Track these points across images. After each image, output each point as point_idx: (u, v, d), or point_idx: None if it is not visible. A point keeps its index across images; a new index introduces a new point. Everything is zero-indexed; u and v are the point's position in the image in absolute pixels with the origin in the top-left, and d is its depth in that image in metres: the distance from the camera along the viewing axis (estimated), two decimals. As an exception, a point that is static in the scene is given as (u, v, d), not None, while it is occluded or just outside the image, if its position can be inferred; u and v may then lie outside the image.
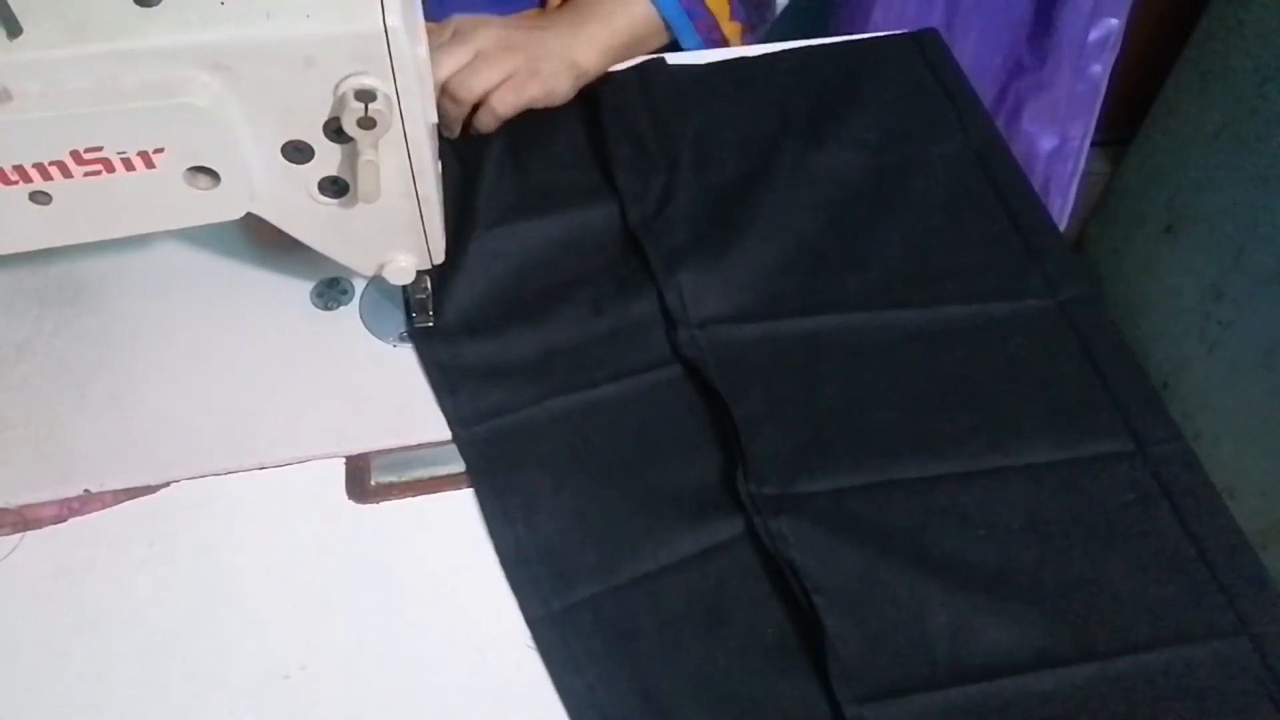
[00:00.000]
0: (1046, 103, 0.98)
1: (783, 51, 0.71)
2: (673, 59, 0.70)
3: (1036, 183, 1.04)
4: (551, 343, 0.56)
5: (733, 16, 0.69)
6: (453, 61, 0.61)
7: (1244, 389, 1.13)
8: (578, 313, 0.57)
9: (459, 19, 0.64)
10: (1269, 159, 1.06)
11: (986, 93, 1.02)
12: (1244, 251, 1.11)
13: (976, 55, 0.99)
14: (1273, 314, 1.08)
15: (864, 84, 0.69)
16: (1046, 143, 1.01)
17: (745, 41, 0.71)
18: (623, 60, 0.68)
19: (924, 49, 0.72)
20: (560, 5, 0.69)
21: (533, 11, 0.71)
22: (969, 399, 0.55)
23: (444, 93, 0.62)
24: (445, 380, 0.55)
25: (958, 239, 0.62)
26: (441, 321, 0.57)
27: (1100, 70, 0.96)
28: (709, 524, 0.51)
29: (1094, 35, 0.94)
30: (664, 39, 0.70)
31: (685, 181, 0.63)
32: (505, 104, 0.62)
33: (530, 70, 0.63)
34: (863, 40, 0.73)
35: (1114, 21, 0.93)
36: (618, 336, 0.57)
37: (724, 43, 0.71)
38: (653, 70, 0.68)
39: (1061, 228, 1.09)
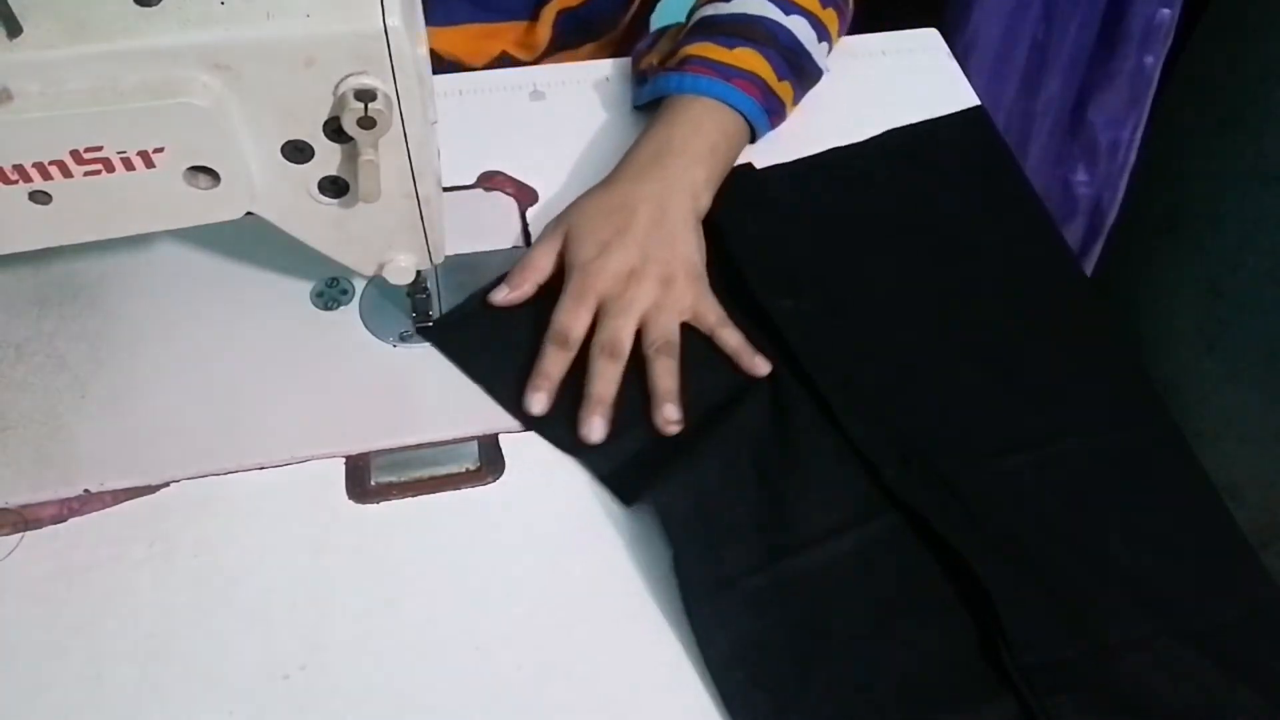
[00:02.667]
0: (1111, 93, 1.00)
1: (851, 149, 0.70)
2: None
3: (1097, 178, 1.07)
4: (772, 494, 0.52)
5: (780, 78, 0.66)
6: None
7: (1244, 389, 1.13)
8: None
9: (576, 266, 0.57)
10: (1269, 159, 1.06)
11: (1045, 86, 1.03)
12: (1244, 251, 1.11)
13: (1058, 50, 1.00)
14: (1273, 314, 1.08)
15: (942, 181, 0.68)
16: (1106, 136, 1.03)
17: (796, 102, 0.68)
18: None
19: (973, 127, 0.72)
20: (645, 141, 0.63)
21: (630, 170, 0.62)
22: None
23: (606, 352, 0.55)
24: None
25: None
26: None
27: (1153, 61, 0.97)
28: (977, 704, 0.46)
29: (1153, 24, 0.96)
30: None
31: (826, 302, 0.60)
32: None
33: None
34: (921, 127, 0.71)
35: (1166, 11, 0.95)
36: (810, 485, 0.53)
37: (783, 116, 0.68)
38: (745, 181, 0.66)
39: (1109, 220, 1.11)
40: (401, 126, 0.44)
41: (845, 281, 0.62)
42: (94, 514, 0.51)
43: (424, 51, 0.46)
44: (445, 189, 0.56)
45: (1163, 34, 0.96)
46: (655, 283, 0.57)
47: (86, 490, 0.51)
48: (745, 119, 0.65)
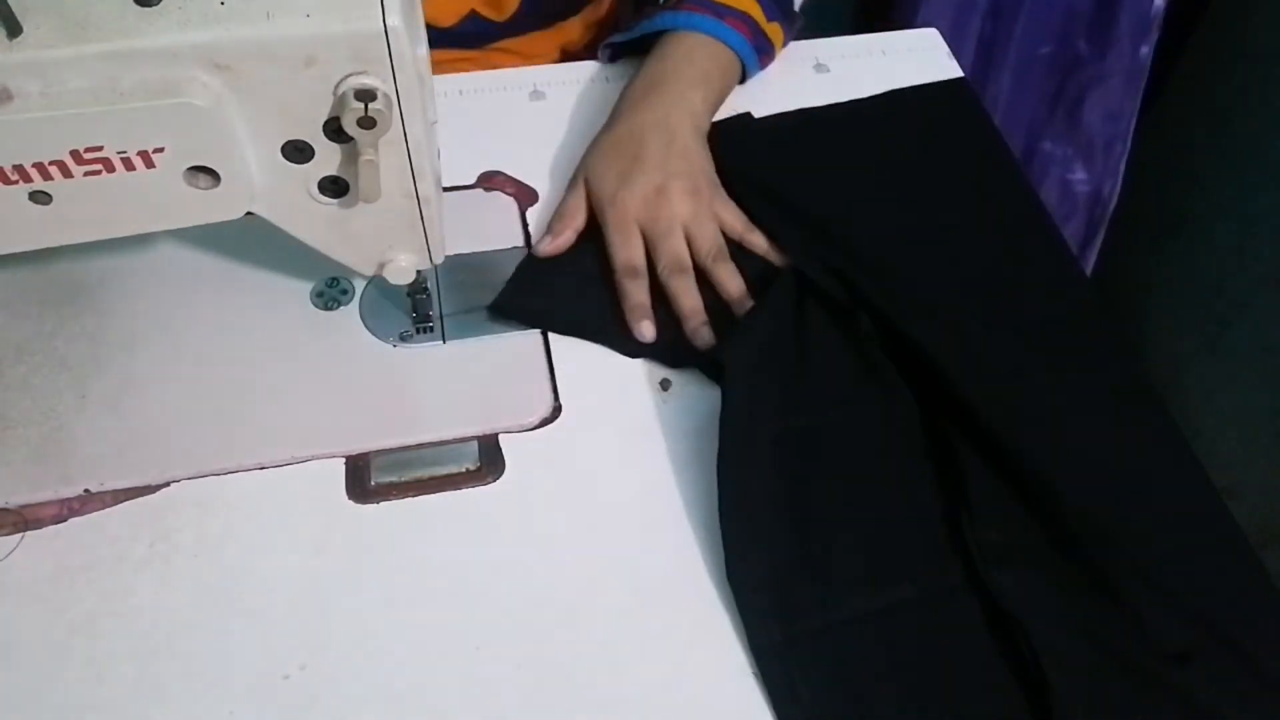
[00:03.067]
0: (1105, 90, 1.01)
1: (833, 109, 0.71)
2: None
3: (1094, 174, 1.08)
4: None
5: (769, 19, 0.69)
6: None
7: (1244, 389, 1.13)
8: None
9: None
10: (1269, 159, 1.06)
11: (1043, 87, 1.04)
12: (1244, 251, 1.11)
13: (1028, 48, 1.01)
14: (1273, 314, 1.08)
15: (925, 143, 0.70)
16: (1104, 129, 1.04)
17: (785, 44, 0.72)
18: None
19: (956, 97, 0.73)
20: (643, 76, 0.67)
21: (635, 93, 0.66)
22: None
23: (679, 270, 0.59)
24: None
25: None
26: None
27: (1147, 51, 0.99)
28: (933, 568, 0.50)
29: (1150, 15, 0.97)
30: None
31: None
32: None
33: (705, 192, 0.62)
34: (904, 93, 0.73)
35: (1159, 2, 0.96)
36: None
37: (772, 55, 0.71)
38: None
39: (1110, 211, 1.13)
40: (401, 126, 0.44)
41: (834, 236, 0.63)
42: (94, 514, 0.51)
43: (424, 51, 0.46)
44: (445, 189, 0.56)
45: (1154, 25, 0.97)
46: (684, 196, 0.60)
47: (86, 490, 0.51)
48: (736, 56, 0.68)
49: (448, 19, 0.76)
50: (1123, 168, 1.11)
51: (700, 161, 0.62)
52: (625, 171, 0.61)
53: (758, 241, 0.61)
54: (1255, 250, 1.11)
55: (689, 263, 0.59)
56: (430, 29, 0.74)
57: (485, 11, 0.76)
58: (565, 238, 0.61)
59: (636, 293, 0.58)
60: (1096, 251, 1.24)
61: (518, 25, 0.78)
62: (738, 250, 0.61)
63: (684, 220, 0.60)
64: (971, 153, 0.70)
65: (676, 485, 0.53)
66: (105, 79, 0.40)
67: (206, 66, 0.40)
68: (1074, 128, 1.07)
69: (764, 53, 0.69)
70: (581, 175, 0.63)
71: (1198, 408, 1.20)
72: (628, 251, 0.59)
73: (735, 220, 0.62)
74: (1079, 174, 1.14)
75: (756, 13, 0.68)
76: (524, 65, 0.76)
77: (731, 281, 0.59)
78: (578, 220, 0.62)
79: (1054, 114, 1.11)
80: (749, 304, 0.58)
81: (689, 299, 0.58)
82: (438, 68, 0.73)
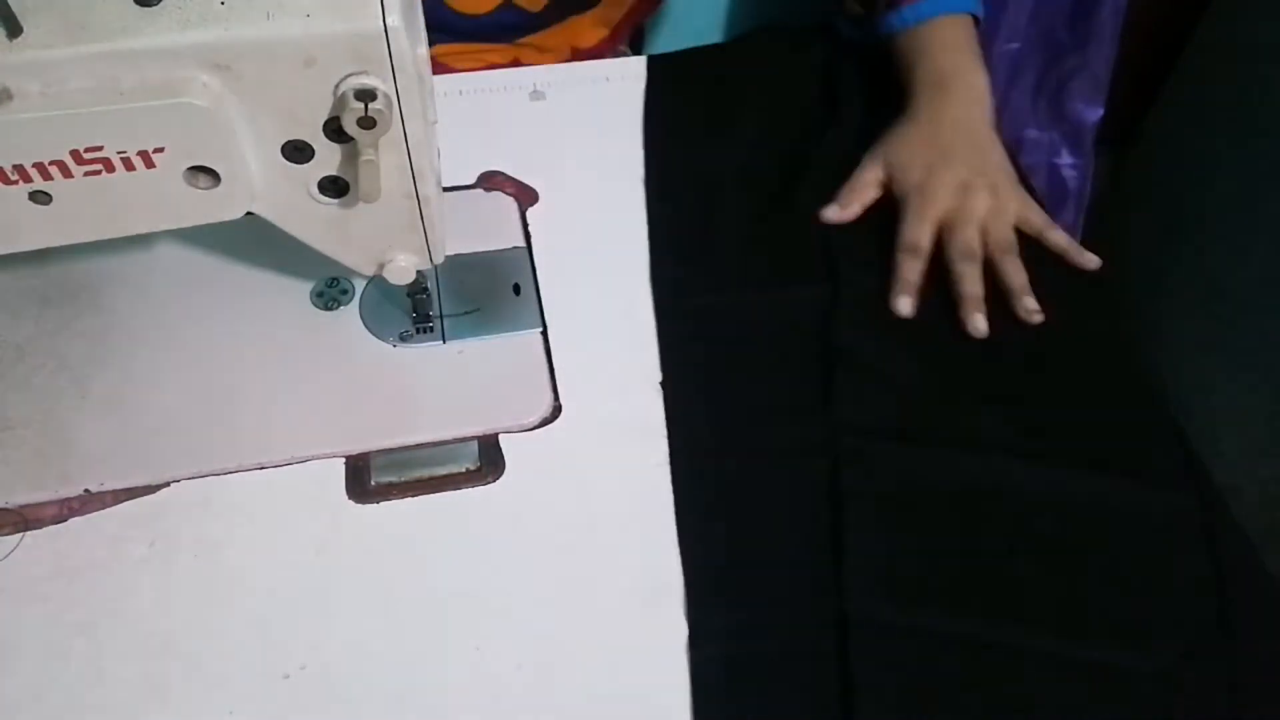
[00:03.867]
0: (1089, 77, 1.02)
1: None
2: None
3: (1084, 154, 1.09)
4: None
5: None
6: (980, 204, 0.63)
7: (1244, 389, 1.13)
8: None
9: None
10: (1269, 158, 1.06)
11: (1023, 78, 1.05)
12: (1244, 251, 1.11)
13: (1013, 38, 1.02)
14: (1273, 314, 1.08)
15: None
16: (1092, 114, 1.05)
17: None
18: None
19: None
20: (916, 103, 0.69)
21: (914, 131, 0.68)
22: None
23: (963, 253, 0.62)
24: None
25: None
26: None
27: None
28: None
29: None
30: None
31: None
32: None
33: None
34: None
35: None
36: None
37: None
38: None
39: (1086, 189, 1.14)
40: (401, 126, 0.44)
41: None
42: (94, 514, 0.51)
43: (424, 51, 0.46)
44: (445, 189, 0.56)
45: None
46: (986, 193, 0.63)
47: (86, 490, 0.51)
48: (970, 15, 0.71)
49: (482, 6, 0.76)
50: (1091, 146, 1.12)
51: (999, 158, 0.66)
52: (932, 164, 0.64)
53: (1057, 239, 0.64)
54: (1255, 250, 1.11)
55: (979, 252, 0.62)
56: (461, 17, 0.74)
57: (521, 2, 0.76)
58: (853, 210, 0.65)
59: (911, 270, 0.61)
60: (1079, 234, 1.24)
61: (548, 17, 0.78)
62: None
63: (982, 214, 0.63)
64: None
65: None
66: (105, 79, 0.40)
67: (206, 66, 0.40)
68: (1058, 114, 1.09)
69: None
70: (882, 159, 0.66)
71: (1198, 408, 1.20)
72: (919, 234, 0.62)
73: (1035, 216, 0.64)
74: (1066, 159, 1.14)
75: None
76: (540, 63, 0.76)
77: (1017, 276, 0.61)
78: (868, 195, 0.65)
79: (1037, 103, 1.11)
80: (1030, 299, 0.60)
81: (972, 284, 0.60)
82: (456, 59, 0.73)
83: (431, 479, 0.53)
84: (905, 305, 0.60)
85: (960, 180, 0.64)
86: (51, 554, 0.49)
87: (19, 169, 0.41)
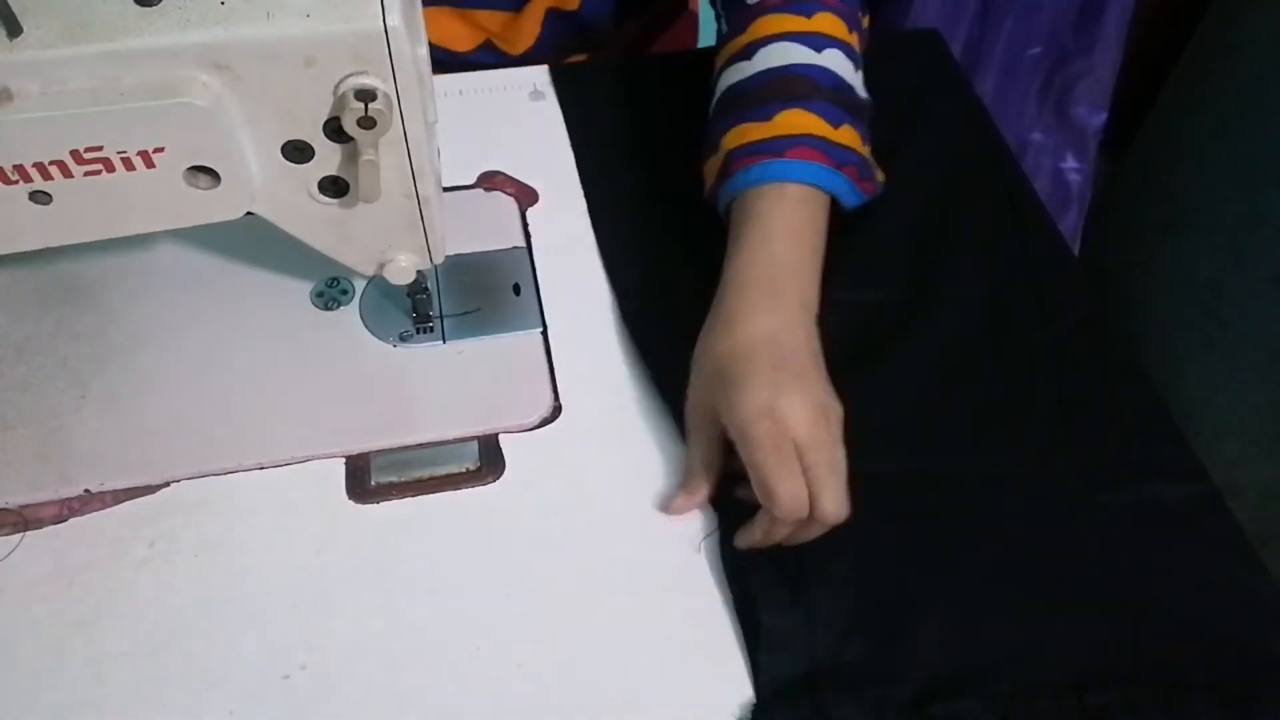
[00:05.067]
0: (1093, 82, 1.02)
1: None
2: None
3: (1087, 158, 1.09)
4: None
5: (836, 125, 0.56)
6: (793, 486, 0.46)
7: (1244, 389, 1.13)
8: None
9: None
10: (1269, 159, 1.06)
11: (1028, 83, 1.05)
12: (1244, 251, 1.11)
13: (1018, 43, 1.02)
14: (1273, 314, 1.08)
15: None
16: (1097, 119, 1.05)
17: (864, 141, 0.59)
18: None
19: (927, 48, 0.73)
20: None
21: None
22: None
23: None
24: None
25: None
26: None
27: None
28: None
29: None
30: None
31: None
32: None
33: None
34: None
35: None
36: None
37: (858, 161, 0.57)
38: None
39: (1088, 194, 1.14)
40: (401, 126, 0.44)
41: None
42: (94, 514, 0.51)
43: (424, 51, 0.46)
44: (445, 189, 0.56)
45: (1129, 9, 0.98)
46: (828, 436, 0.48)
47: (86, 490, 0.51)
48: (818, 188, 0.55)
49: (461, 44, 0.75)
50: (1095, 150, 1.12)
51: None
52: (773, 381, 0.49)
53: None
54: (1255, 250, 1.11)
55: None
56: (443, 51, 0.74)
57: (501, 45, 0.75)
58: (701, 495, 0.51)
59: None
60: (1080, 237, 1.24)
61: (529, 60, 0.76)
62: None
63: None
64: (946, 112, 0.70)
65: (676, 485, 0.53)
66: (105, 79, 0.40)
67: (206, 66, 0.40)
68: (1063, 118, 1.08)
69: (846, 165, 0.56)
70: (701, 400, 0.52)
71: (1198, 408, 1.20)
72: (793, 486, 0.46)
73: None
74: (1070, 163, 1.14)
75: (821, 128, 0.55)
76: None
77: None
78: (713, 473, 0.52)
79: (1043, 107, 1.12)
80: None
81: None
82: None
83: (431, 479, 0.53)
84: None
85: (817, 402, 0.48)
86: (51, 554, 0.49)
87: (19, 169, 0.41)
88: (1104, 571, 0.50)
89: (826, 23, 0.57)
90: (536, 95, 0.72)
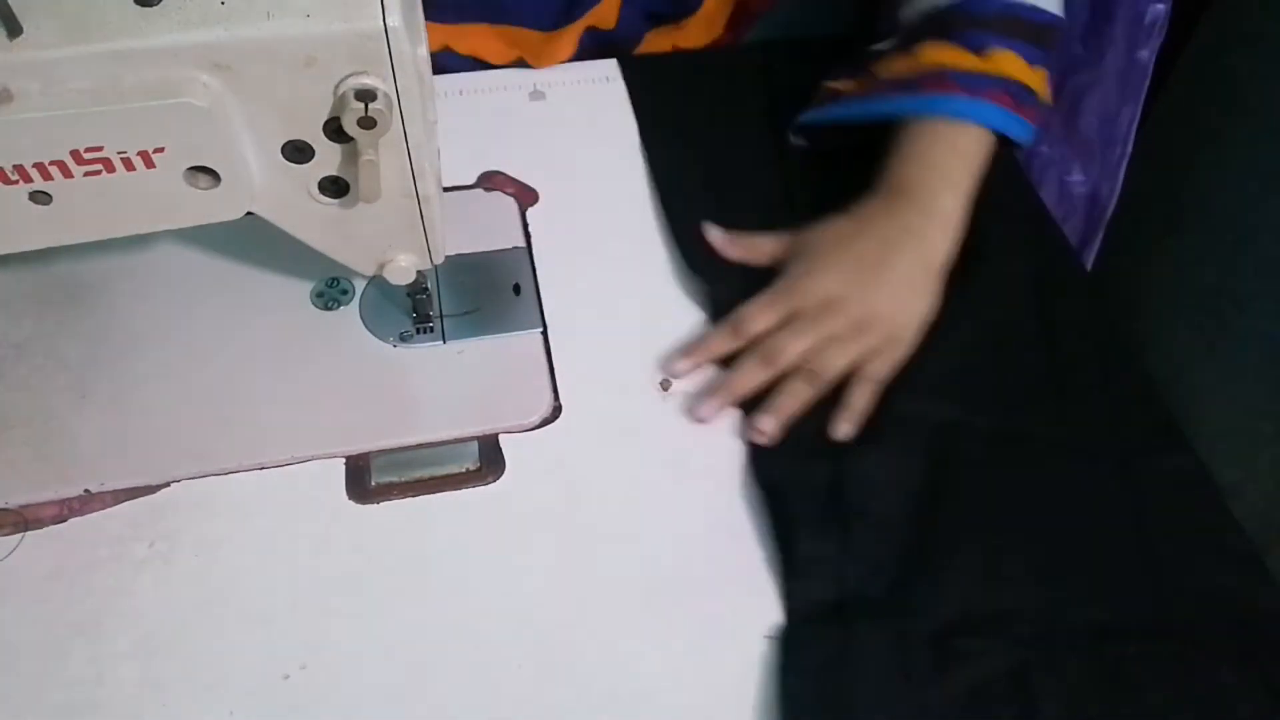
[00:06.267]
0: (1102, 93, 1.02)
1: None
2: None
3: (1092, 172, 1.09)
4: None
5: (1033, 64, 0.58)
6: (801, 344, 0.54)
7: (1244, 389, 1.13)
8: None
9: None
10: (1269, 159, 1.06)
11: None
12: (1244, 251, 1.11)
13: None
14: (1273, 313, 1.08)
15: None
16: (1101, 131, 1.05)
17: (1051, 80, 0.62)
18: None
19: None
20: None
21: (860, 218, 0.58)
22: None
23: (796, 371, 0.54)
24: None
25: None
26: None
27: (1148, 55, 0.99)
28: None
29: (1145, 20, 0.98)
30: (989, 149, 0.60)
31: None
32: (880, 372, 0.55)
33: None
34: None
35: (1161, 6, 0.96)
36: None
37: (1037, 104, 0.60)
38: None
39: (1109, 212, 1.14)
40: (401, 126, 0.44)
41: None
42: (94, 514, 0.51)
43: (424, 51, 0.46)
44: (445, 189, 0.56)
45: (1156, 29, 0.97)
46: (848, 321, 0.54)
47: (86, 490, 0.51)
48: (995, 132, 0.58)
49: (495, 59, 0.74)
50: (1122, 170, 1.11)
51: (892, 305, 0.55)
52: (822, 267, 0.56)
53: (857, 399, 0.55)
54: (1255, 251, 1.11)
55: (778, 364, 0.54)
56: (474, 61, 0.74)
57: (532, 61, 0.74)
58: (731, 251, 0.59)
59: (720, 344, 0.56)
60: (1095, 252, 1.24)
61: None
62: None
63: (823, 335, 0.54)
64: None
65: (676, 485, 0.53)
66: (106, 79, 0.40)
67: (206, 66, 0.40)
68: (1071, 130, 1.08)
69: (1027, 106, 0.58)
70: (788, 238, 0.58)
71: (1198, 408, 1.20)
72: (754, 314, 0.55)
73: (881, 371, 0.55)
74: (1076, 175, 1.14)
75: (1020, 70, 0.57)
76: None
77: (789, 399, 0.54)
78: (760, 255, 0.59)
79: (1051, 117, 1.11)
80: (768, 420, 0.53)
81: (742, 383, 0.55)
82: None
83: (431, 479, 0.53)
84: (684, 368, 0.56)
85: (831, 294, 0.55)
86: (51, 554, 0.49)
87: (19, 169, 0.41)
88: (1132, 534, 0.51)
89: None
90: (536, 95, 0.72)
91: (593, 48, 0.75)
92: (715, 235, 0.60)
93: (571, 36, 0.73)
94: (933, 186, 0.56)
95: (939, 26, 0.59)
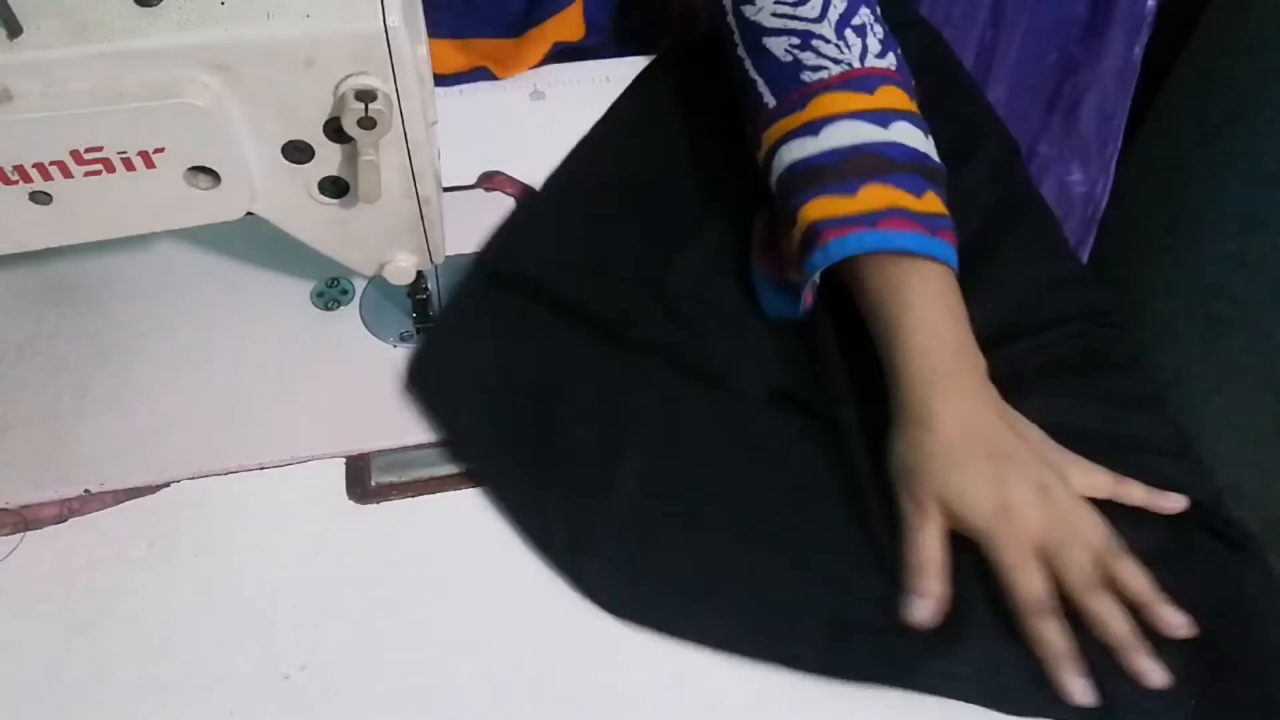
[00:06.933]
0: (1100, 92, 1.02)
1: None
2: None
3: (1090, 170, 1.09)
4: None
5: (919, 194, 0.54)
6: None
7: (1244, 389, 1.13)
8: None
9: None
10: (1269, 159, 1.06)
11: (1041, 92, 1.05)
12: (1244, 251, 1.11)
13: (1028, 55, 1.02)
14: (1273, 314, 1.08)
15: None
16: (1099, 130, 1.05)
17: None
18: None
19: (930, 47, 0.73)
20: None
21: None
22: None
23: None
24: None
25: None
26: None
27: (1139, 52, 1.00)
28: None
29: (1141, 17, 0.98)
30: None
31: None
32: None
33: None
34: None
35: (1151, 3, 0.97)
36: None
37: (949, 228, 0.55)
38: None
39: (1101, 208, 1.14)
40: (401, 126, 0.44)
41: None
42: (94, 514, 0.51)
43: (424, 51, 0.46)
44: (445, 189, 0.56)
45: (1146, 24, 0.98)
46: (1061, 489, 0.50)
47: (86, 490, 0.51)
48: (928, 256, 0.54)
49: (453, 68, 0.73)
50: (1113, 166, 1.12)
51: (1036, 434, 0.52)
52: (995, 474, 0.49)
53: (1132, 493, 0.51)
54: (1255, 250, 1.11)
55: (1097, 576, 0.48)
56: (438, 77, 0.73)
57: (495, 69, 0.73)
58: (938, 592, 0.48)
59: (1058, 636, 0.47)
60: (1090, 248, 1.24)
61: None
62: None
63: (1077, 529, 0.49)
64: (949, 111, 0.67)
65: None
66: (105, 79, 0.40)
67: (206, 66, 0.40)
68: (1070, 130, 1.09)
69: (941, 230, 0.54)
70: (931, 493, 0.50)
71: (1198, 408, 1.20)
72: (1032, 581, 0.47)
73: (1099, 478, 0.51)
74: (1076, 174, 1.14)
75: (903, 199, 0.54)
76: None
77: (1136, 582, 0.48)
78: (942, 560, 0.49)
79: (1051, 118, 1.12)
80: (1167, 609, 0.47)
81: (1117, 625, 0.47)
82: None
83: (431, 479, 0.53)
84: (1078, 689, 0.46)
85: (1038, 483, 0.49)
86: (51, 554, 0.49)
87: (19, 169, 0.41)
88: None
89: (889, 97, 0.56)
90: (536, 95, 0.72)
91: (560, 57, 0.75)
92: (921, 611, 0.48)
93: (538, 46, 0.72)
94: (958, 368, 0.53)
95: (799, 183, 0.55)
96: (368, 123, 0.41)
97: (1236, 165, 1.11)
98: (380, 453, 0.53)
